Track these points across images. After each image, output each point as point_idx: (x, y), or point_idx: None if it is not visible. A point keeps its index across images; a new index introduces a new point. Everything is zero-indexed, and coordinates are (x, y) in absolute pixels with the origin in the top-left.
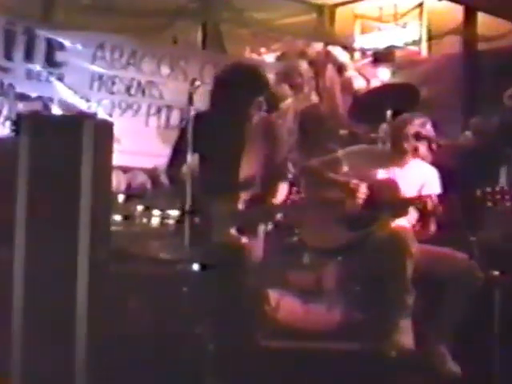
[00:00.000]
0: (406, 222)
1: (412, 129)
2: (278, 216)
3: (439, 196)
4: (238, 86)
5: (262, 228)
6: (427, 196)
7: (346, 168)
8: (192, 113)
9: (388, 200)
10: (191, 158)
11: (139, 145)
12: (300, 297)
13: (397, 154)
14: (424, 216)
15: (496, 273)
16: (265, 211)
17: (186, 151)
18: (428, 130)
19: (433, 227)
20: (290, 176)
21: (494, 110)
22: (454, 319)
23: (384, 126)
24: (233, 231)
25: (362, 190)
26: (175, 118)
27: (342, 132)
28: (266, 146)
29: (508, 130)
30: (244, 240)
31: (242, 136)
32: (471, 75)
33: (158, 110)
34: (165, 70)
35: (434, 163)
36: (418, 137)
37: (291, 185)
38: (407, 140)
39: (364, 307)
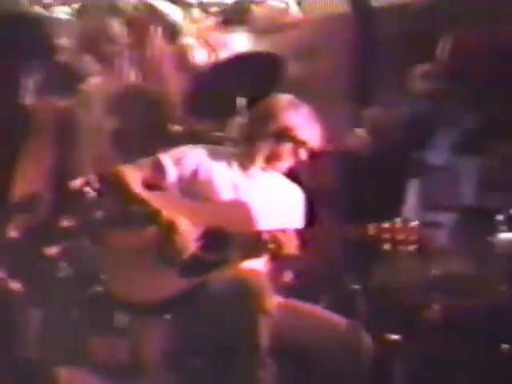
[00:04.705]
0: (261, 264)
1: (281, 119)
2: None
3: (301, 230)
4: (7, 49)
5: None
6: (281, 230)
7: (171, 180)
8: None
9: (236, 232)
10: None
11: None
12: (108, 377)
13: (254, 161)
14: (276, 258)
15: (394, 337)
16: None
17: None
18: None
19: (288, 274)
20: (91, 192)
21: (398, 97)
22: None
23: (237, 121)
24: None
25: (184, 225)
26: None
27: (176, 128)
28: (56, 147)
29: (418, 126)
30: (15, 287)
31: (14, 131)
32: (366, 45)
33: None
34: None
35: (298, 177)
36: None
37: None
38: (270, 138)
39: None
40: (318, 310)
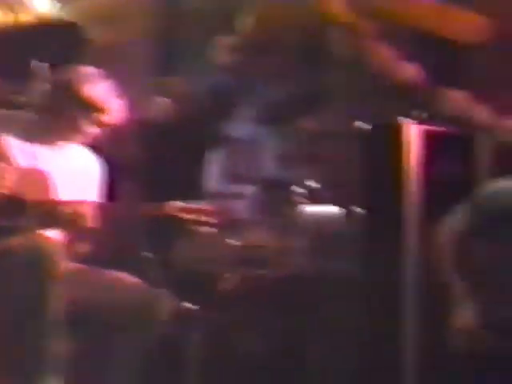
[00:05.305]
0: (58, 234)
1: (82, 89)
2: None
3: (99, 203)
4: None
5: None
6: (79, 202)
7: None
8: None
9: (33, 200)
10: None
11: None
12: None
13: (54, 130)
14: (73, 229)
15: (190, 306)
16: None
17: None
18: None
19: (85, 245)
20: None
21: (202, 67)
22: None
23: (37, 86)
24: None
25: None
26: None
27: None
28: None
29: (220, 97)
30: None
31: None
32: (172, 12)
33: None
34: None
35: (99, 149)
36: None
37: None
38: (71, 108)
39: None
40: (114, 273)
